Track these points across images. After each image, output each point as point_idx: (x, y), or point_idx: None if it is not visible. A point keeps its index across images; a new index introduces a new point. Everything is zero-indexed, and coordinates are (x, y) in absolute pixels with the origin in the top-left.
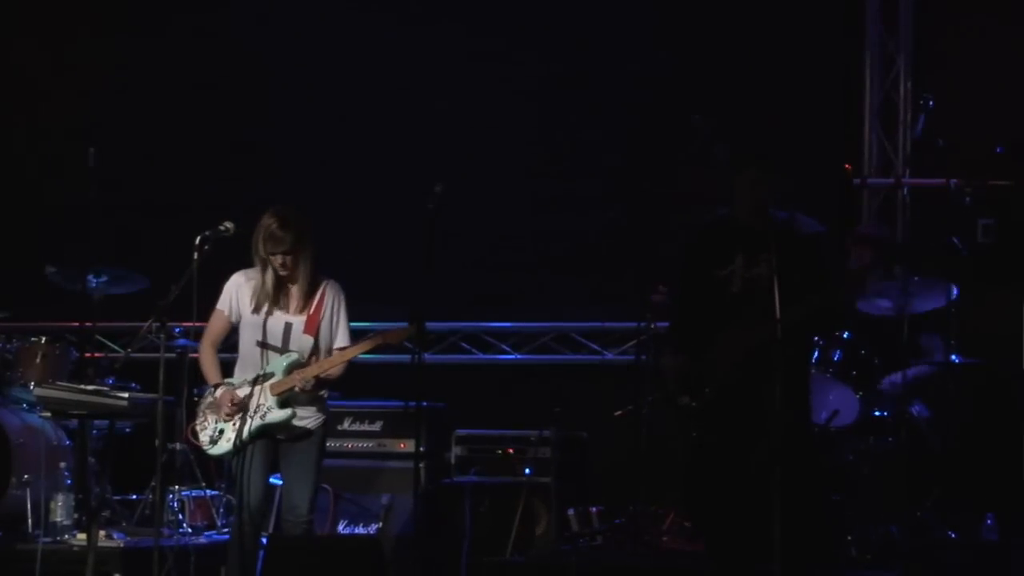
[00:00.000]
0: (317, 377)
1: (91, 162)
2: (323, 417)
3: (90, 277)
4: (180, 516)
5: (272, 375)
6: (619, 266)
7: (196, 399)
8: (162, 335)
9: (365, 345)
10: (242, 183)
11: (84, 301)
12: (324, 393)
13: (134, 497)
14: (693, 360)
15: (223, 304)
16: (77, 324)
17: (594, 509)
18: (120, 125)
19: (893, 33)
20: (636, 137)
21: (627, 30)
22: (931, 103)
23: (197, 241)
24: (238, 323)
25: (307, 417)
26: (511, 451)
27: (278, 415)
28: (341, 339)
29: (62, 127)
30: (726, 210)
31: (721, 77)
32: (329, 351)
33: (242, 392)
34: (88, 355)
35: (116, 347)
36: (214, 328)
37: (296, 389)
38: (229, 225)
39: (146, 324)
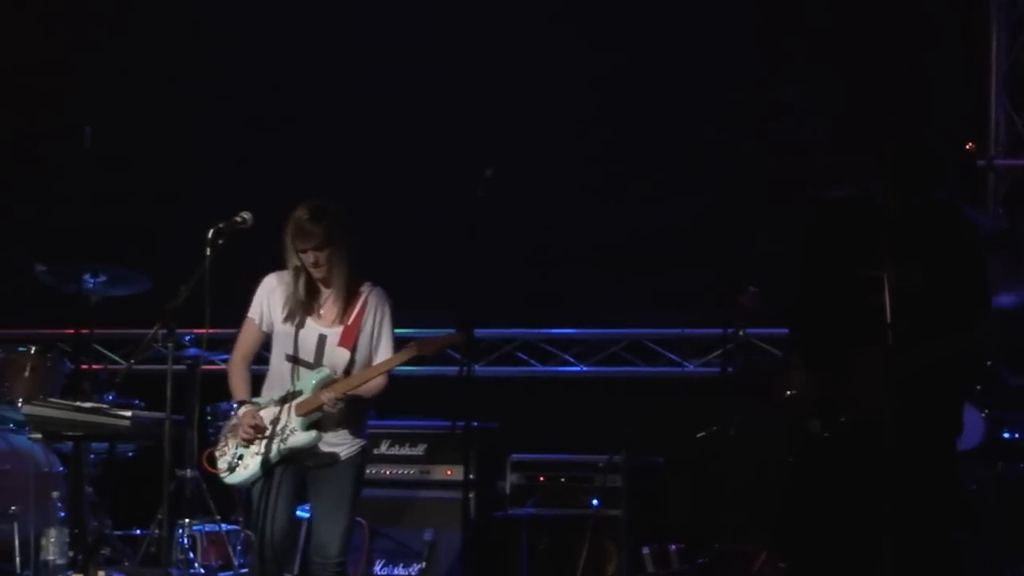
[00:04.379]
0: (347, 395)
1: (87, 143)
2: (359, 443)
3: (86, 277)
4: (191, 554)
5: (300, 393)
6: (701, 263)
7: (209, 418)
8: (170, 344)
9: (401, 356)
10: (267, 171)
11: (79, 304)
12: (359, 414)
13: (138, 532)
14: (831, 381)
15: (254, 311)
16: (71, 331)
17: (673, 547)
18: (122, 101)
19: None
20: (715, 118)
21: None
22: None
23: (210, 234)
24: (271, 333)
25: (338, 443)
26: (575, 479)
27: (301, 439)
28: (383, 354)
29: (51, 102)
30: (859, 189)
31: (814, 43)
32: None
33: (267, 412)
34: (84, 367)
35: (117, 358)
36: (245, 339)
37: (323, 409)
38: (246, 216)
39: (151, 331)
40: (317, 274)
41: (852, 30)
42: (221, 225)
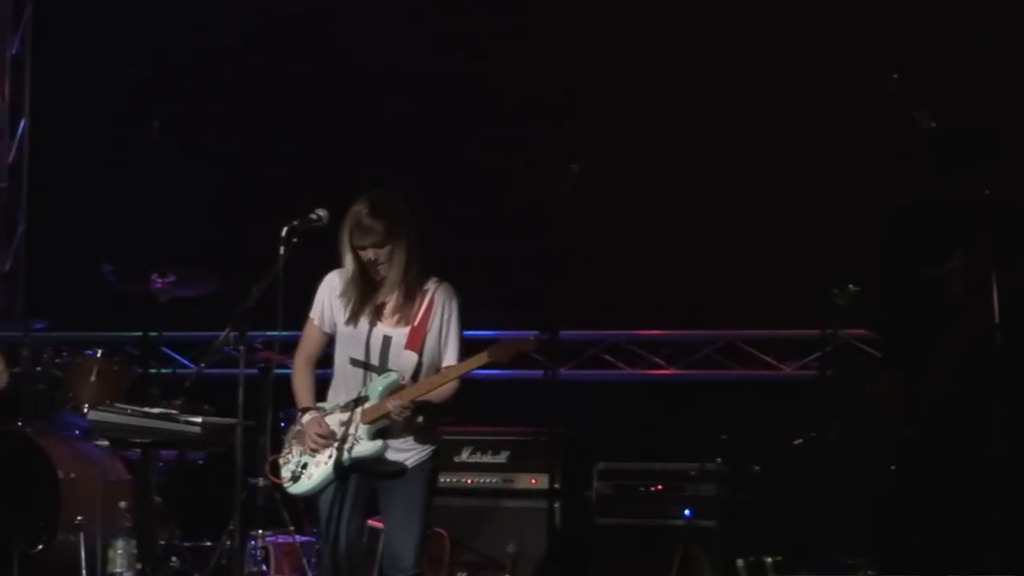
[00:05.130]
0: (414, 403)
1: (155, 137)
2: (429, 448)
3: (154, 277)
4: (264, 567)
5: (366, 399)
6: (796, 260)
7: (283, 424)
8: (241, 347)
9: (472, 363)
10: (339, 164)
11: (147, 305)
12: (429, 420)
13: (208, 543)
14: (911, 380)
15: (314, 312)
16: (139, 334)
17: (769, 559)
18: (194, 94)
19: None
20: (803, 106)
21: None
22: None
23: (284, 232)
24: (333, 334)
25: (406, 450)
26: (665, 488)
27: (366, 448)
28: (451, 355)
29: (124, 92)
30: (930, 189)
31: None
32: (437, 371)
33: (333, 419)
34: (152, 371)
35: (186, 361)
36: (306, 341)
37: (390, 417)
38: (322, 213)
39: (222, 334)
40: (376, 272)
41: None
42: (295, 223)
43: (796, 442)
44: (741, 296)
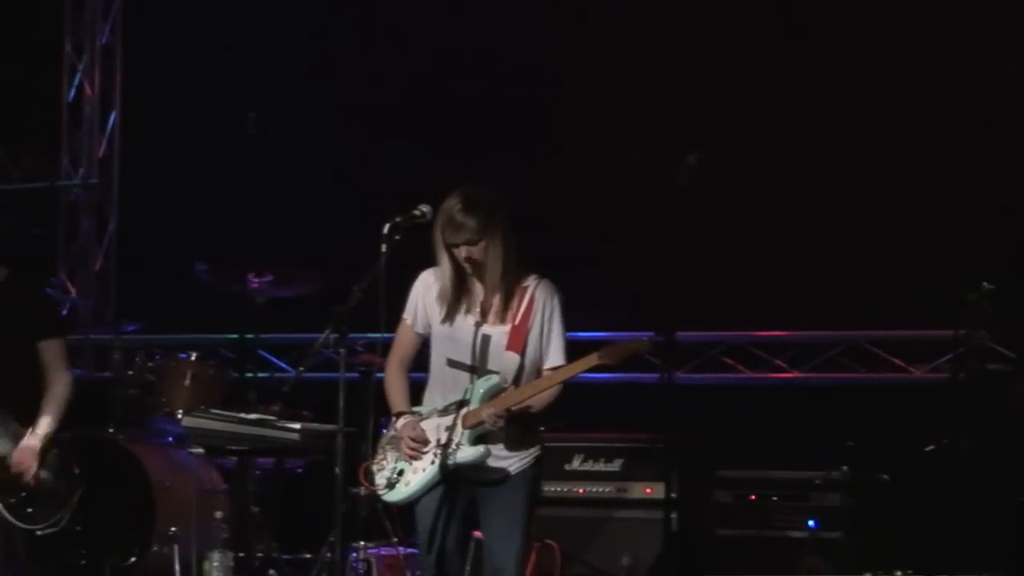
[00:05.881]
0: (509, 411)
1: (251, 129)
2: (531, 454)
3: (251, 276)
4: None
5: (466, 403)
6: (927, 257)
7: (384, 430)
8: (341, 349)
9: (579, 366)
10: (444, 159)
11: (244, 306)
12: (531, 425)
13: (307, 556)
14: None
15: (408, 312)
16: (235, 336)
17: (898, 573)
18: (292, 85)
19: None
20: (937, 96)
21: None
22: None
23: (386, 229)
24: (427, 336)
25: (507, 456)
26: (789, 497)
27: (467, 454)
28: (554, 357)
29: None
30: None
31: None
32: (539, 372)
33: (429, 424)
34: (249, 375)
35: (284, 365)
36: (400, 343)
37: (485, 426)
38: (425, 209)
39: (321, 336)
40: (473, 270)
41: None
42: (398, 219)
43: (927, 449)
44: (868, 295)
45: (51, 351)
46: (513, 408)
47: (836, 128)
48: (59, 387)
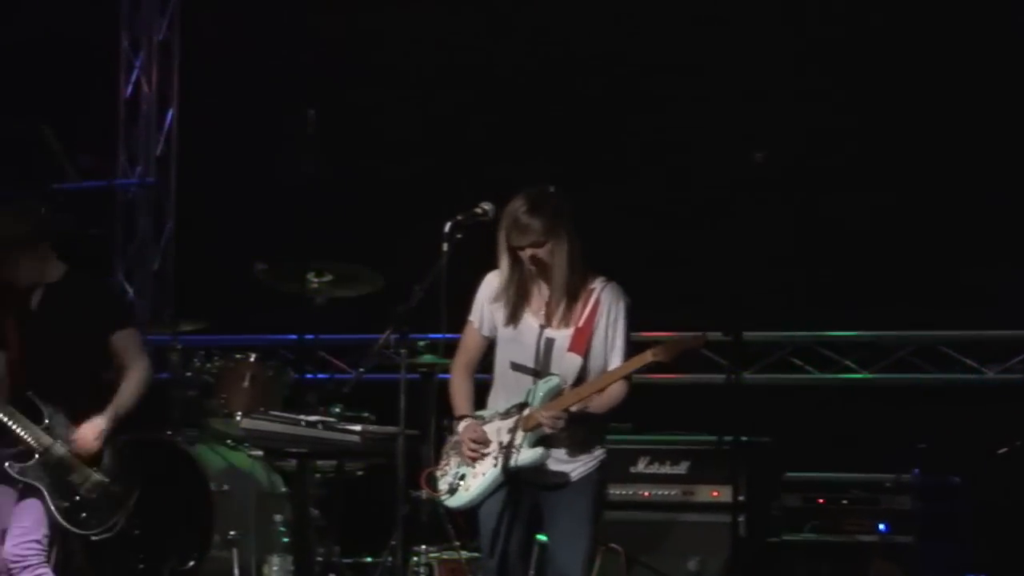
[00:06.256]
0: (568, 412)
1: (311, 127)
2: (596, 457)
3: (310, 276)
4: None
5: (528, 405)
6: (1001, 256)
7: (447, 432)
8: (403, 350)
9: (636, 362)
10: (509, 155)
11: (303, 307)
12: (594, 427)
13: (368, 560)
14: None
15: (473, 314)
16: (295, 337)
17: None
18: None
19: None
20: (1004, 97)
21: None
22: None
23: (447, 228)
24: (493, 338)
25: (569, 460)
26: (859, 501)
27: (527, 457)
28: (617, 360)
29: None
30: None
31: None
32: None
33: (491, 427)
34: (309, 376)
35: (344, 366)
36: (466, 346)
37: (543, 429)
38: (487, 207)
39: (382, 336)
40: (539, 273)
41: None
42: (460, 217)
43: (1001, 451)
44: (939, 294)
45: (125, 340)
46: (572, 409)
47: (913, 126)
48: (136, 372)
